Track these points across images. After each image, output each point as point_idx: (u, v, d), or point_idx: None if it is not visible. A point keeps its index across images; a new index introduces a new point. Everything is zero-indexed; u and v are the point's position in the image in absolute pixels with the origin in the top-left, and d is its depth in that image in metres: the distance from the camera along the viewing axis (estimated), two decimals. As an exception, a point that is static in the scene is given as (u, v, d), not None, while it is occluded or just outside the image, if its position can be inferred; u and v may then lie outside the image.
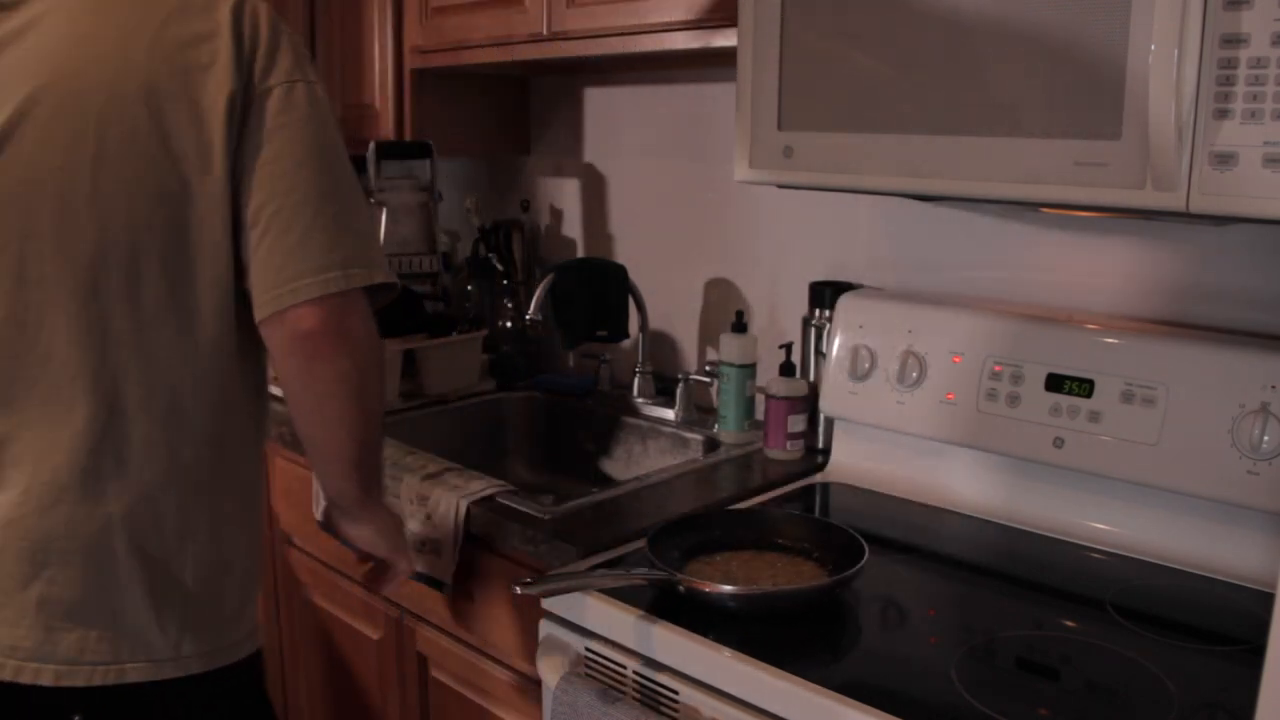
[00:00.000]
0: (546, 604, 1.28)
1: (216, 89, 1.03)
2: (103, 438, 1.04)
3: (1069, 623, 1.19)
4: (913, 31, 1.20)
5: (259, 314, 1.05)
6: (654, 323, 2.10)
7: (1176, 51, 1.00)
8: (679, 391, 1.88)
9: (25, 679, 1.03)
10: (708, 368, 1.86)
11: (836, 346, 1.62)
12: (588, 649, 1.23)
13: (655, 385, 2.00)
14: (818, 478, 1.64)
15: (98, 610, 1.05)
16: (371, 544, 1.23)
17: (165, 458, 1.07)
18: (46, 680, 1.03)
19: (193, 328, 1.06)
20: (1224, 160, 1.00)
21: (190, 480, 1.09)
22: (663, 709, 1.14)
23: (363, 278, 1.05)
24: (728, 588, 1.18)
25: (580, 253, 2.29)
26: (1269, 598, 1.01)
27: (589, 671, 1.23)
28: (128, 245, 1.03)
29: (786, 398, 1.67)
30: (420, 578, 1.56)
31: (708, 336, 2.04)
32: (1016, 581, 1.30)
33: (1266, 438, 1.22)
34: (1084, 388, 1.37)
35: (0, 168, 1.02)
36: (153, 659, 1.07)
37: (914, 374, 1.52)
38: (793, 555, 1.31)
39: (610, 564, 1.32)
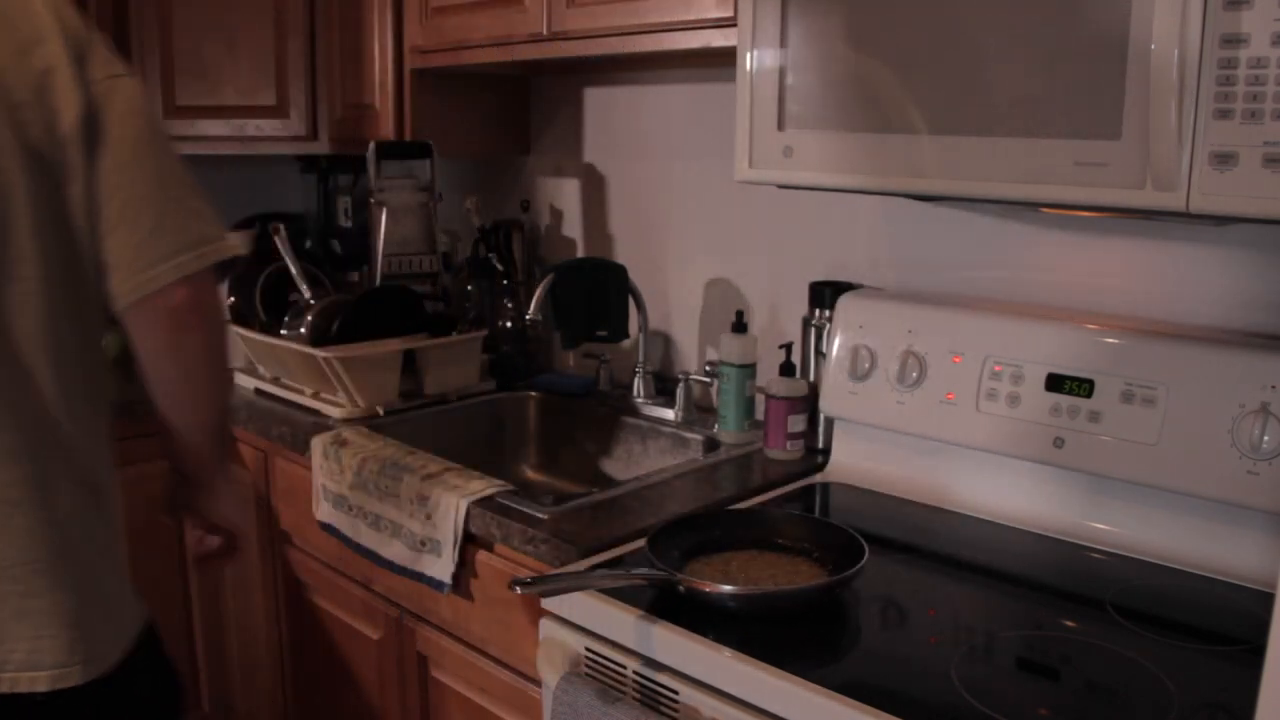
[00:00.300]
0: (546, 604, 1.28)
1: (66, 92, 1.03)
2: (38, 448, 1.05)
3: (1069, 623, 1.19)
4: (913, 31, 1.20)
5: (123, 301, 1.08)
6: (654, 323, 2.10)
7: (1176, 51, 1.00)
8: (679, 391, 1.88)
9: (22, 688, 1.04)
10: (708, 368, 1.86)
11: (836, 346, 1.62)
12: (588, 649, 1.23)
13: (655, 385, 2.00)
14: (818, 478, 1.64)
15: (79, 610, 1.06)
16: (225, 515, 1.29)
17: (95, 450, 1.11)
18: (42, 686, 1.04)
19: (85, 322, 1.10)
20: (1224, 160, 1.00)
21: (108, 462, 1.15)
22: (663, 709, 1.14)
23: (215, 253, 1.11)
24: (728, 588, 1.18)
25: (580, 253, 2.29)
26: (1269, 598, 1.01)
27: (589, 671, 1.23)
28: (16, 251, 1.03)
29: (786, 398, 1.67)
30: (420, 578, 1.56)
31: (708, 336, 2.04)
32: (1016, 581, 1.30)
33: (1266, 438, 1.22)
34: (1084, 388, 1.37)
35: None
36: (127, 629, 1.12)
37: (914, 374, 1.52)
38: (793, 555, 1.31)
39: (610, 564, 1.32)
